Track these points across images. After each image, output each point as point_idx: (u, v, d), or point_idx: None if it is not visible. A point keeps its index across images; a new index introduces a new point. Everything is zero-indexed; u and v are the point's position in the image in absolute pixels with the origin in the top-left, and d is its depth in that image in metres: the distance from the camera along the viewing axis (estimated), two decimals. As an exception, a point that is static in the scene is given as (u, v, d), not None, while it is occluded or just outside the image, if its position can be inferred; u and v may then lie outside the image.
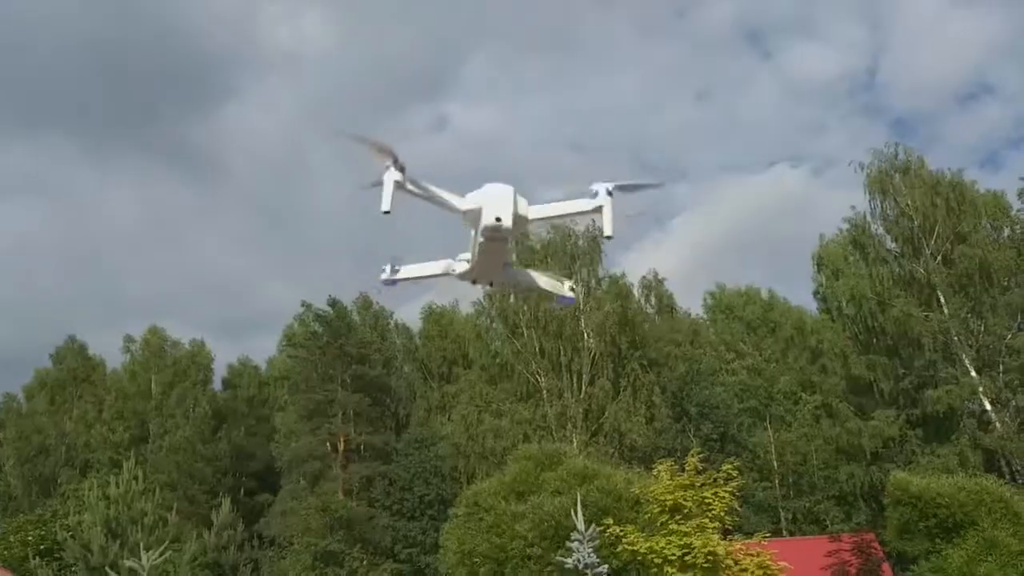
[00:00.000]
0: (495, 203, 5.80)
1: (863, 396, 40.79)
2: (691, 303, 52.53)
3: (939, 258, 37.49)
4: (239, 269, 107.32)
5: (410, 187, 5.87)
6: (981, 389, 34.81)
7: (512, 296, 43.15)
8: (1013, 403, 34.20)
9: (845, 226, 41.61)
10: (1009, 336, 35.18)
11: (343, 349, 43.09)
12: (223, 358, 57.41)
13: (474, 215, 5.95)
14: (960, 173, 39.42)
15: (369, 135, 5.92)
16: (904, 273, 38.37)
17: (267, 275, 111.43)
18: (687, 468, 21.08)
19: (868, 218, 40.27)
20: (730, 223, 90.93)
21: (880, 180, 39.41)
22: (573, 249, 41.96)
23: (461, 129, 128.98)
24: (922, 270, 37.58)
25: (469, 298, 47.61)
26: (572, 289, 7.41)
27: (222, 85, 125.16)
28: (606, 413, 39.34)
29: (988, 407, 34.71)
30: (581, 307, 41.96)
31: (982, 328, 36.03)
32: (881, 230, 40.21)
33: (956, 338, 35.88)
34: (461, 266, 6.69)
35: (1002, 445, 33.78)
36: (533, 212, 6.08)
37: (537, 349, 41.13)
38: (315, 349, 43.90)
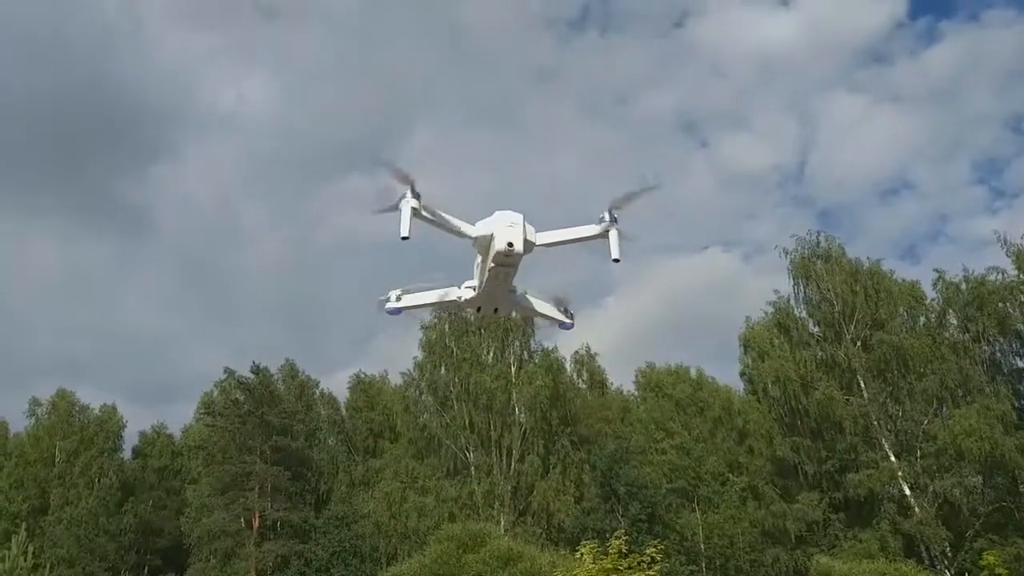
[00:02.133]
0: (506, 230, 6.07)
1: (788, 478, 41.05)
2: (622, 379, 52.76)
3: (859, 343, 38.54)
4: (160, 331, 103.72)
5: (425, 214, 6.23)
6: (900, 474, 35.40)
7: (443, 367, 42.60)
8: (931, 488, 34.74)
9: (770, 309, 42.72)
10: (926, 422, 36.10)
11: (265, 419, 41.51)
12: (136, 425, 54.74)
13: (485, 242, 6.22)
14: (878, 262, 41.10)
15: (395, 162, 6.33)
16: (826, 357, 39.21)
17: (189, 338, 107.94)
18: (610, 551, 20.55)
19: (792, 302, 41.57)
20: (663, 302, 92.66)
21: (803, 266, 40.74)
22: (506, 322, 41.76)
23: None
24: (843, 354, 38.49)
25: (399, 368, 46.83)
26: (571, 315, 7.63)
27: (157, 142, 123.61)
28: (535, 492, 38.59)
29: (907, 492, 35.22)
30: (513, 380, 41.60)
31: (900, 413, 36.92)
32: (804, 314, 41.40)
33: (876, 422, 36.63)
34: (467, 293, 6.92)
35: (921, 530, 34.17)
36: (542, 238, 6.36)
37: (467, 423, 40.38)
38: (235, 418, 42.16)
